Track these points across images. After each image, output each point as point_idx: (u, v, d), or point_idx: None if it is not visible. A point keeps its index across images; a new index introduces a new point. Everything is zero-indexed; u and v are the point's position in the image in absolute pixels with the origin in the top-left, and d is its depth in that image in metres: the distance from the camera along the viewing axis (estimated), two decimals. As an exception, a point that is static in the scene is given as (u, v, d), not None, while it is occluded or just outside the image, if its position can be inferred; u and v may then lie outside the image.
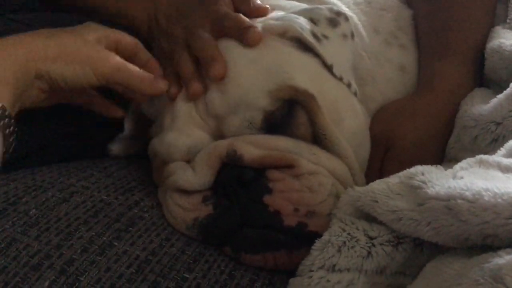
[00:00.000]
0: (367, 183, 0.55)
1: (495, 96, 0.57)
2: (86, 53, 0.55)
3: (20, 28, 0.65)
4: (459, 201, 0.40)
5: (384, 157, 0.62)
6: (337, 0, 0.73)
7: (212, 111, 0.57)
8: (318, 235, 0.49)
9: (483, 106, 0.58)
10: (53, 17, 0.73)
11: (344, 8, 0.70)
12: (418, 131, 0.63)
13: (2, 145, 0.48)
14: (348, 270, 0.46)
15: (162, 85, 0.60)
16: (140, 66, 0.60)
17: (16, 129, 0.50)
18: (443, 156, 0.62)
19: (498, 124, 0.55)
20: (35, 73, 0.53)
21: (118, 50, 0.61)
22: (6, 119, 0.48)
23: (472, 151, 0.54)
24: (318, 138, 0.57)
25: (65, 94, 0.61)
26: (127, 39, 0.63)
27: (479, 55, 0.66)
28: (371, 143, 0.63)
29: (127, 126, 0.71)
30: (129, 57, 0.61)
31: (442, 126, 0.63)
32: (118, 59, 0.58)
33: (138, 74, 0.59)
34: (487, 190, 0.39)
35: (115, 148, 0.72)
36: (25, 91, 0.53)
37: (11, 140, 0.49)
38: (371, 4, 0.76)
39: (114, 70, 0.57)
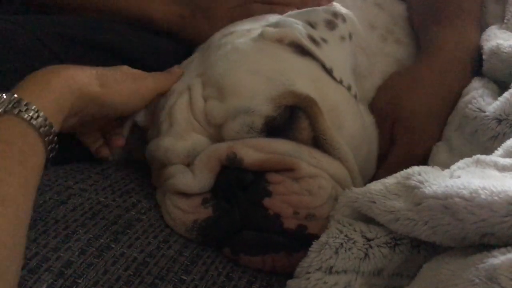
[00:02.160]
0: (380, 158, 0.59)
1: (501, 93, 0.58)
2: (129, 83, 0.61)
3: (16, 30, 0.65)
4: (456, 199, 0.40)
5: (393, 128, 0.63)
6: None
7: (212, 120, 0.57)
8: (317, 237, 0.49)
9: (488, 99, 0.58)
10: (52, 18, 0.73)
11: (340, 6, 0.70)
12: (423, 98, 0.63)
13: (44, 160, 0.51)
14: (345, 271, 0.46)
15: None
16: None
17: (57, 146, 0.52)
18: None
19: (500, 121, 0.55)
20: (88, 107, 0.57)
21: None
22: (51, 136, 0.51)
23: (471, 143, 0.55)
24: (318, 142, 0.57)
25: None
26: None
27: (477, 22, 0.68)
28: (378, 117, 0.64)
29: (124, 133, 0.71)
30: None
31: (445, 91, 0.64)
32: (152, 82, 0.63)
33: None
34: (484, 188, 0.39)
35: (118, 158, 0.72)
36: (75, 115, 0.57)
37: (50, 156, 0.52)
38: (366, 0, 0.76)
39: (153, 92, 0.63)
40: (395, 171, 0.53)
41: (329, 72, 0.61)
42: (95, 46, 0.71)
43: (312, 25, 0.62)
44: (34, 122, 0.49)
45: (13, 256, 0.42)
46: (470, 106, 0.58)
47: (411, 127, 0.62)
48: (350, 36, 0.64)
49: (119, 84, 0.59)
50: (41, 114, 0.49)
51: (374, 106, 0.66)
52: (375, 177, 0.60)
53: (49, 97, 0.51)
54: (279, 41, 0.60)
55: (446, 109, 0.63)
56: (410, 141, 0.62)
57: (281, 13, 0.69)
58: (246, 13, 0.72)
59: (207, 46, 0.66)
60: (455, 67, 0.65)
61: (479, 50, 0.65)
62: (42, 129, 0.49)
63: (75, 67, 0.57)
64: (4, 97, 0.49)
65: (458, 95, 0.62)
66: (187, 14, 0.77)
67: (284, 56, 0.60)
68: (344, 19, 0.64)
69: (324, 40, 0.62)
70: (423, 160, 0.60)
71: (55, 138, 0.51)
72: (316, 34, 0.62)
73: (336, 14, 0.64)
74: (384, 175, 0.55)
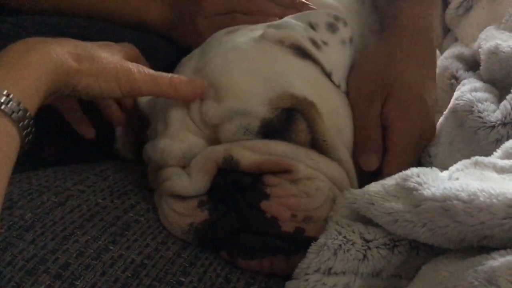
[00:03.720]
0: (360, 134, 0.59)
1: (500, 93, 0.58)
2: (112, 65, 0.55)
3: (11, 30, 0.65)
4: (454, 202, 0.40)
5: (384, 104, 0.61)
6: (333, 0, 0.73)
7: (208, 121, 0.56)
8: (315, 240, 0.49)
9: (490, 105, 0.58)
10: (46, 19, 0.74)
11: (340, 11, 0.70)
12: (410, 71, 0.62)
13: (19, 146, 0.48)
14: (344, 273, 0.46)
15: (199, 84, 0.57)
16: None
17: (34, 129, 0.50)
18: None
19: (505, 124, 0.55)
20: (66, 85, 0.53)
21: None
22: (26, 121, 0.48)
23: (471, 145, 0.55)
24: (317, 144, 0.57)
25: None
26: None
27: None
28: (368, 93, 0.62)
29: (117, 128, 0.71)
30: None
31: (419, 63, 0.64)
32: (151, 71, 0.57)
33: (172, 83, 0.57)
34: (482, 190, 0.39)
35: (122, 147, 0.72)
36: (50, 95, 0.53)
37: (26, 140, 0.49)
38: (365, 4, 0.76)
39: (151, 83, 0.56)
40: (404, 154, 0.58)
41: (328, 75, 0.60)
42: None
43: (313, 27, 0.62)
44: (4, 107, 0.46)
45: None
46: (473, 108, 0.58)
47: (400, 100, 0.60)
48: (351, 40, 0.64)
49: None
50: (14, 98, 0.47)
51: (359, 90, 0.63)
52: (382, 169, 0.59)
53: (24, 78, 0.49)
54: (280, 42, 0.60)
55: (425, 81, 0.62)
56: (407, 117, 0.60)
57: (264, 22, 0.68)
58: (228, 22, 0.71)
59: (208, 41, 0.66)
60: (424, 38, 0.66)
61: (478, 48, 0.65)
62: (14, 114, 0.47)
63: (51, 41, 0.53)
64: None
65: (432, 66, 0.64)
66: (176, 18, 0.78)
67: (284, 58, 0.60)
68: (345, 23, 0.63)
69: (325, 43, 0.61)
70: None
71: (31, 121, 0.49)
72: (317, 36, 0.61)
73: (337, 17, 0.64)
74: (395, 162, 0.58)
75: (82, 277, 0.48)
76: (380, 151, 0.59)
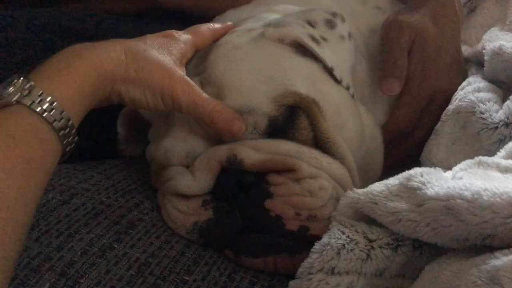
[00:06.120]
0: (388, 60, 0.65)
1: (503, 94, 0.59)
2: (160, 81, 0.54)
3: (18, 25, 0.66)
4: (458, 201, 0.40)
5: (410, 50, 0.67)
6: (332, 2, 0.73)
7: None
8: (319, 238, 0.49)
9: (494, 105, 0.58)
10: (45, 11, 0.74)
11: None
12: (438, 27, 0.68)
13: (59, 155, 0.47)
14: (347, 272, 0.46)
15: (237, 126, 0.55)
16: None
17: (76, 139, 0.49)
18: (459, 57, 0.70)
19: (508, 124, 0.55)
20: (111, 92, 0.53)
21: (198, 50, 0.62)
22: (68, 130, 0.47)
23: (473, 144, 0.55)
24: (319, 142, 0.57)
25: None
26: (205, 38, 0.63)
27: None
28: (398, 31, 0.67)
29: (120, 129, 0.72)
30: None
31: (453, 25, 0.70)
32: (196, 93, 0.55)
33: (211, 113, 0.55)
34: (486, 189, 0.39)
35: (126, 148, 0.72)
36: (95, 104, 0.53)
37: (67, 150, 0.48)
38: (367, 4, 0.76)
39: (190, 105, 0.55)
40: (413, 105, 0.63)
41: (330, 71, 0.60)
42: (86, 36, 0.71)
43: (312, 24, 0.62)
44: (46, 115, 0.45)
45: None
46: (476, 109, 0.58)
47: (425, 49, 0.67)
48: (349, 35, 0.64)
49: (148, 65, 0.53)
50: (57, 106, 0.46)
51: (387, 35, 0.69)
52: (393, 119, 0.66)
53: (69, 86, 0.47)
54: (280, 40, 0.60)
55: (456, 39, 0.68)
56: (424, 70, 0.66)
57: None
58: None
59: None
60: (447, 10, 0.70)
61: (482, 49, 0.65)
62: (56, 123, 0.46)
63: (99, 46, 0.52)
64: (19, 82, 0.45)
65: (456, 40, 0.69)
66: None
67: (285, 56, 0.60)
68: (343, 19, 0.64)
69: (324, 39, 0.61)
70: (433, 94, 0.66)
71: (73, 131, 0.47)
72: (316, 33, 0.61)
73: (335, 14, 0.64)
74: (403, 111, 0.65)
75: (87, 275, 0.49)
76: (402, 79, 0.65)
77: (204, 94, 0.55)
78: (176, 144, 0.57)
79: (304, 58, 0.60)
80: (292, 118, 0.56)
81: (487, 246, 0.39)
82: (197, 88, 0.56)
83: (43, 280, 0.48)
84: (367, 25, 0.73)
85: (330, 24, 0.63)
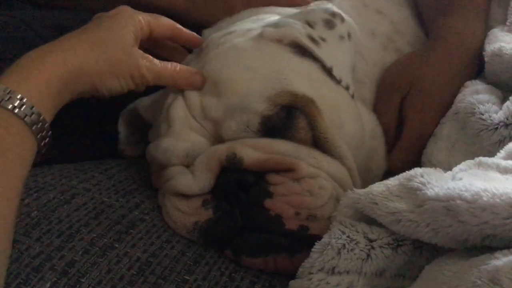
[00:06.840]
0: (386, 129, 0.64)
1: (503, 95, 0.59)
2: (128, 65, 0.58)
3: (18, 25, 0.66)
4: (458, 201, 0.40)
5: (404, 102, 0.66)
6: (332, 4, 0.73)
7: (209, 115, 0.57)
8: (319, 238, 0.49)
9: (493, 107, 0.58)
10: (46, 12, 0.74)
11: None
12: (436, 75, 0.66)
13: (35, 149, 0.50)
14: (348, 272, 0.46)
15: (197, 80, 0.60)
16: (183, 43, 0.67)
17: (50, 133, 0.51)
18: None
19: (507, 125, 0.55)
20: (84, 85, 0.55)
21: (152, 35, 0.64)
22: (40, 124, 0.50)
23: (473, 145, 0.55)
24: (318, 142, 0.57)
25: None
26: (162, 25, 0.65)
27: (483, 13, 0.71)
28: (388, 90, 0.67)
29: (120, 129, 0.72)
30: (168, 38, 0.66)
31: (452, 74, 0.67)
32: (156, 66, 0.60)
33: (173, 77, 0.60)
34: (485, 190, 0.39)
35: (126, 148, 0.72)
36: (68, 99, 0.55)
37: (42, 143, 0.51)
38: (368, 7, 0.76)
39: (155, 78, 0.60)
40: (410, 151, 0.61)
41: (328, 71, 0.61)
42: None
43: (311, 25, 0.63)
44: (18, 111, 0.47)
45: None
46: (475, 110, 0.58)
47: (423, 102, 0.65)
48: (349, 35, 0.64)
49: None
50: (27, 102, 0.48)
51: (384, 80, 0.69)
52: (391, 161, 0.65)
53: (38, 83, 0.50)
54: (279, 41, 0.60)
55: (452, 90, 0.65)
56: (422, 118, 0.65)
57: None
58: None
59: (205, 45, 0.66)
60: (460, 53, 0.68)
61: (481, 47, 0.65)
62: (27, 118, 0.48)
63: (67, 44, 0.54)
64: None
65: (464, 80, 0.66)
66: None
67: (283, 56, 0.60)
68: (342, 19, 0.64)
69: (323, 40, 0.62)
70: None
71: (46, 125, 0.50)
72: (315, 33, 0.62)
73: (334, 14, 0.64)
74: (400, 157, 0.62)
75: (88, 275, 0.49)
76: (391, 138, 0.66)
77: (163, 63, 0.60)
78: (176, 144, 0.58)
79: (302, 58, 0.61)
80: (291, 117, 0.57)
81: (487, 247, 0.39)
82: (155, 60, 0.60)
83: (44, 280, 0.48)
84: (367, 28, 0.73)
85: (329, 25, 0.63)
